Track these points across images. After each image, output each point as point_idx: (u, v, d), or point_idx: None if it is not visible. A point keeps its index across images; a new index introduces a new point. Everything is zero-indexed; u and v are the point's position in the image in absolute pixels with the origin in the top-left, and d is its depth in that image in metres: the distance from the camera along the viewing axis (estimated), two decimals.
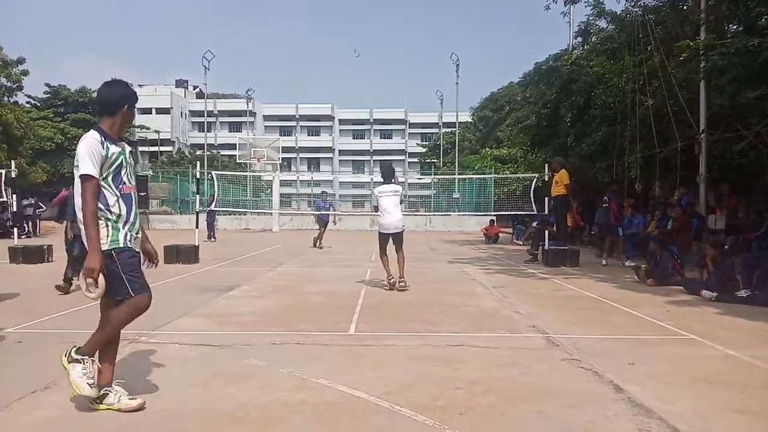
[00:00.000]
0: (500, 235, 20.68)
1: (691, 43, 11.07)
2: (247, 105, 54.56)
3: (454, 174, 32.76)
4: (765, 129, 10.74)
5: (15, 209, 16.05)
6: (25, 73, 28.47)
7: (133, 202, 3.41)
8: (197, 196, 14.66)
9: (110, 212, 3.28)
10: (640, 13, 14.38)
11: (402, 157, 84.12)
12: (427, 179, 43.22)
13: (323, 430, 3.12)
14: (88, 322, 5.92)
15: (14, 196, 15.57)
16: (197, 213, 14.13)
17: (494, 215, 22.78)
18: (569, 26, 21.56)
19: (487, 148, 36.54)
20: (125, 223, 3.33)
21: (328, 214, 17.66)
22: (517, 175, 24.71)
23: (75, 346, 3.31)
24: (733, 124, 11.53)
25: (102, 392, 3.34)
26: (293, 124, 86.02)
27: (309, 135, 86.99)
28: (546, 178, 13.36)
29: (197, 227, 13.02)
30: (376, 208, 8.61)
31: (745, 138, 10.98)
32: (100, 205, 3.24)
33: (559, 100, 17.52)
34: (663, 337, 5.41)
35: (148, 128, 57.00)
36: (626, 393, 3.70)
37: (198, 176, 15.15)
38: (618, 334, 5.53)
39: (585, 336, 5.39)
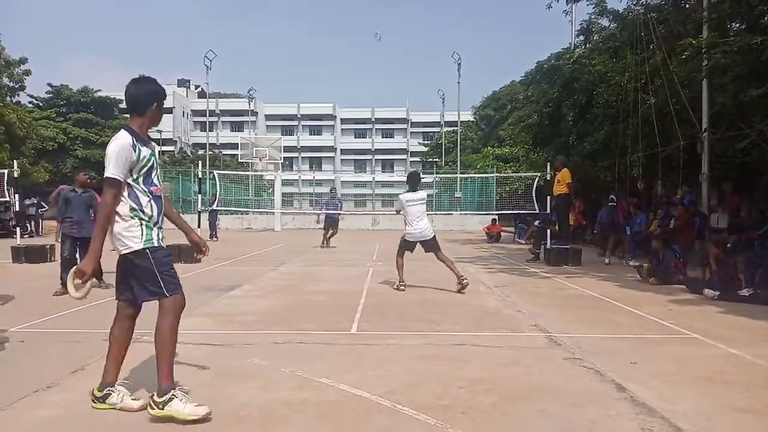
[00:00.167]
0: (502, 234, 20.67)
1: (694, 42, 11.05)
2: (249, 104, 54.60)
3: (456, 173, 32.73)
4: None
5: (17, 209, 16.11)
6: (27, 73, 28.51)
7: (163, 205, 3.37)
8: (199, 195, 14.70)
9: (143, 212, 3.24)
10: (642, 12, 14.34)
11: (404, 156, 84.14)
12: (428, 178, 43.18)
13: (325, 429, 3.12)
14: (90, 321, 5.94)
15: (17, 195, 15.65)
16: (199, 212, 14.17)
17: (496, 214, 22.76)
18: (571, 25, 21.51)
19: (489, 147, 36.52)
20: (155, 224, 3.30)
21: (336, 213, 16.87)
22: (519, 174, 24.68)
23: (153, 394, 3.17)
24: (736, 122, 11.49)
25: (105, 392, 3.34)
26: (295, 123, 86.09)
27: (311, 134, 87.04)
28: (548, 177, 13.35)
29: (199, 227, 13.05)
30: (398, 212, 8.46)
31: (747, 136, 10.95)
32: (134, 205, 3.21)
33: (561, 99, 17.48)
34: (665, 336, 5.40)
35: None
36: (628, 392, 3.69)
37: (200, 176, 15.20)
38: (620, 333, 5.53)
39: (587, 335, 5.38)
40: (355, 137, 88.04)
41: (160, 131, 57.94)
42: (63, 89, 46.68)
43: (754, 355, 4.61)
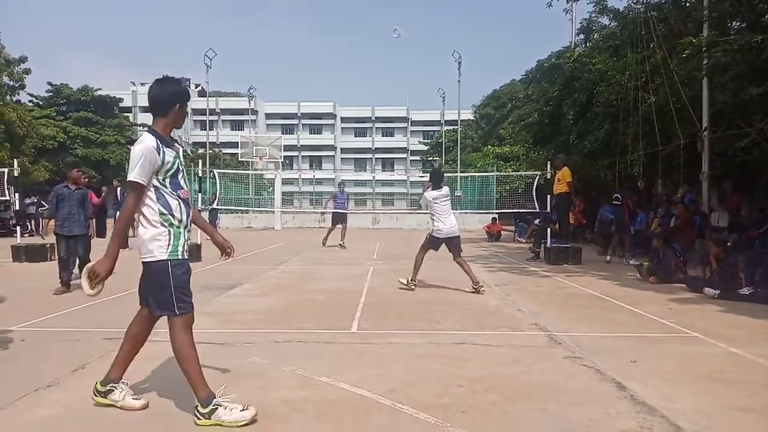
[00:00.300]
0: (502, 232, 20.66)
1: (694, 40, 11.03)
2: (249, 103, 54.54)
3: (456, 172, 32.68)
4: None
5: (18, 208, 16.10)
6: (27, 71, 28.50)
7: (190, 209, 3.32)
8: (199, 194, 14.68)
9: (174, 217, 3.18)
10: (642, 10, 14.32)
11: (404, 155, 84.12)
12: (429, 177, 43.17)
13: (326, 428, 3.12)
14: (90, 321, 5.95)
15: (17, 194, 15.63)
16: (199, 211, 14.14)
17: (496, 213, 22.75)
18: (571, 23, 21.49)
19: (489, 146, 36.47)
20: (185, 228, 3.24)
21: (345, 209, 16.50)
22: (519, 173, 24.64)
23: (197, 405, 3.16)
24: (736, 121, 11.47)
25: (108, 387, 3.33)
26: (295, 122, 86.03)
27: (311, 133, 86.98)
28: (548, 176, 13.34)
29: None
30: (423, 208, 8.40)
31: (748, 135, 10.93)
32: (163, 210, 3.15)
33: (562, 98, 17.47)
34: (665, 335, 5.41)
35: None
36: (628, 391, 3.70)
37: (200, 174, 15.18)
38: (620, 331, 5.53)
39: (587, 334, 5.38)
40: (356, 136, 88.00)
41: None
42: (63, 88, 46.67)
43: (755, 353, 4.62)
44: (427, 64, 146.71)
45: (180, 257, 3.19)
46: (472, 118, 50.68)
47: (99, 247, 12.51)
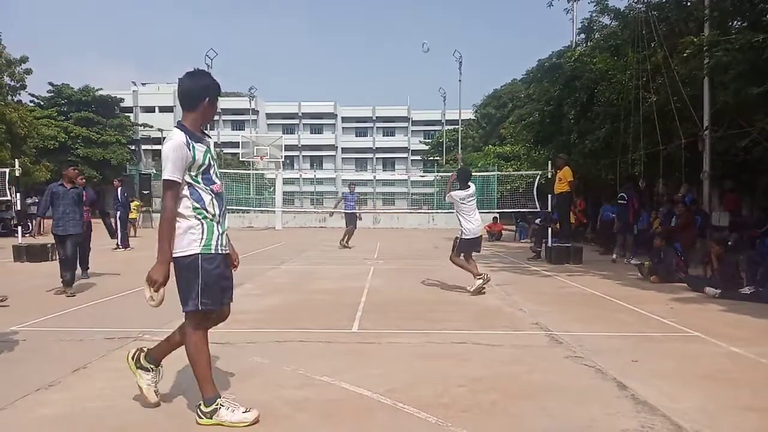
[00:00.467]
0: (503, 232, 20.65)
1: (695, 40, 11.03)
2: (250, 103, 54.55)
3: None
4: None
5: (19, 208, 16.11)
6: (28, 72, 28.52)
7: (224, 202, 3.25)
8: None
9: (207, 211, 3.12)
10: (643, 10, 14.31)
11: (405, 155, 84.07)
12: (429, 177, 43.19)
13: (327, 427, 3.12)
14: (91, 320, 5.95)
15: (18, 194, 15.65)
16: None
17: (497, 213, 22.74)
18: (572, 23, 21.45)
19: (490, 146, 36.46)
20: (219, 222, 3.18)
21: (355, 209, 16.31)
22: (520, 173, 24.64)
23: (200, 404, 3.16)
24: (738, 120, 11.47)
25: (145, 364, 3.33)
26: (296, 122, 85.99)
27: (312, 133, 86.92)
28: (549, 175, 13.33)
29: None
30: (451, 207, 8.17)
31: (749, 134, 10.93)
32: (197, 205, 3.08)
33: (562, 97, 17.45)
34: (667, 334, 5.40)
35: (151, 126, 57.08)
36: (630, 390, 3.70)
37: None
38: (621, 331, 5.53)
39: (588, 333, 5.38)
40: (356, 136, 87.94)
41: (161, 130, 58.13)
42: (64, 88, 46.74)
43: (756, 353, 4.61)
44: (428, 64, 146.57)
45: (212, 251, 3.12)
46: (472, 117, 50.67)
47: (103, 248, 12.43)
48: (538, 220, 16.24)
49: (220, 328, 5.60)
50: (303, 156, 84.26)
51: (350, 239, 15.66)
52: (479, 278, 7.70)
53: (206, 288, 3.10)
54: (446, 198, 8.34)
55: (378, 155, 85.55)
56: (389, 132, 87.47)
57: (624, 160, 14.58)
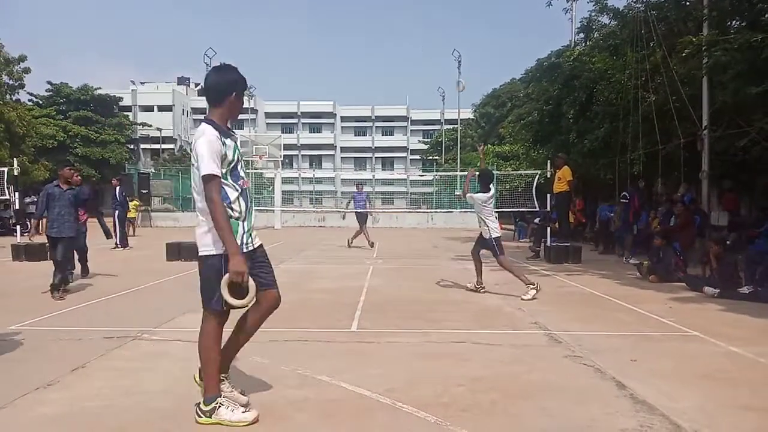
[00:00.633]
0: (502, 232, 20.63)
1: (694, 39, 11.04)
2: (249, 102, 54.53)
3: (456, 171, 32.67)
4: None
5: (17, 207, 16.10)
6: (27, 70, 28.52)
7: (250, 198, 3.22)
8: None
9: (233, 210, 3.09)
10: (642, 9, 14.32)
11: (404, 154, 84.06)
12: (428, 176, 43.18)
13: (327, 427, 3.12)
14: (90, 320, 5.94)
15: (17, 194, 15.63)
16: None
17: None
18: (571, 22, 21.44)
19: (489, 145, 36.48)
20: (244, 220, 3.15)
21: (365, 209, 16.10)
22: (519, 172, 24.66)
23: (200, 402, 3.15)
24: (736, 120, 11.48)
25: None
26: (295, 121, 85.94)
27: (311, 132, 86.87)
28: (548, 175, 13.34)
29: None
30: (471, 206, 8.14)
31: (748, 134, 10.94)
32: (224, 202, 3.04)
33: (561, 97, 17.46)
34: (666, 334, 5.41)
35: (150, 126, 57.07)
36: (629, 390, 3.70)
37: None
38: (620, 330, 5.53)
39: (587, 333, 5.38)
40: (355, 135, 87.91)
41: (160, 129, 58.14)
42: (63, 87, 46.69)
43: (755, 352, 4.62)
44: (427, 63, 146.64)
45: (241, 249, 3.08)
46: (471, 117, 50.66)
47: (102, 248, 12.44)
48: (537, 220, 16.25)
49: None
50: (302, 155, 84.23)
51: (357, 238, 15.47)
52: (531, 285, 7.33)
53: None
54: (467, 199, 8.28)
55: (377, 155, 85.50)
56: (388, 131, 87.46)
57: (623, 160, 14.59)
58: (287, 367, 4.16)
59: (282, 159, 32.77)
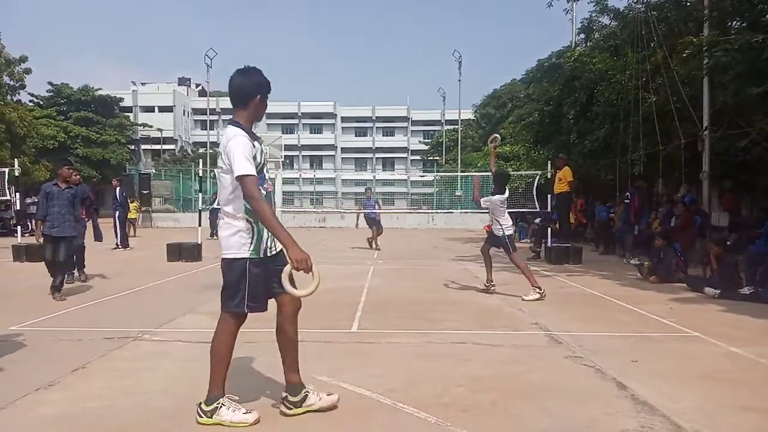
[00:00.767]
0: None
1: (695, 40, 11.03)
2: None
3: (457, 171, 32.69)
4: None
5: (18, 207, 16.11)
6: (28, 71, 28.54)
7: (273, 202, 3.21)
8: (200, 194, 14.70)
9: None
10: (643, 10, 14.31)
11: (404, 155, 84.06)
12: (429, 177, 43.23)
13: (327, 427, 3.12)
14: (90, 320, 5.94)
15: (17, 194, 15.64)
16: (200, 211, 14.16)
17: None
18: (572, 23, 21.44)
19: (489, 145, 36.47)
20: None
21: (376, 213, 16.37)
22: (519, 173, 24.62)
23: (201, 402, 3.16)
24: (737, 120, 11.47)
25: (302, 397, 3.26)
26: (295, 121, 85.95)
27: (311, 133, 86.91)
28: (549, 176, 13.33)
29: (200, 225, 13.05)
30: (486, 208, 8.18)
31: (748, 135, 10.93)
32: (248, 206, 3.02)
33: (562, 97, 17.45)
34: (666, 335, 5.41)
35: (151, 126, 57.11)
36: (629, 390, 3.70)
37: (201, 174, 15.19)
38: (621, 331, 5.53)
39: (588, 333, 5.38)
40: (356, 135, 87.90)
41: (160, 130, 58.15)
42: (63, 88, 46.73)
43: (755, 353, 4.62)
44: (428, 64, 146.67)
45: (260, 256, 3.13)
46: (472, 117, 50.67)
47: (102, 248, 12.47)
48: (537, 220, 16.24)
49: None
50: (302, 156, 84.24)
51: (375, 240, 15.64)
52: (538, 290, 7.37)
53: (252, 291, 3.12)
54: (482, 203, 8.20)
55: (377, 155, 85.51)
56: (389, 132, 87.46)
57: (623, 161, 14.58)
58: None
59: (282, 160, 32.72)
